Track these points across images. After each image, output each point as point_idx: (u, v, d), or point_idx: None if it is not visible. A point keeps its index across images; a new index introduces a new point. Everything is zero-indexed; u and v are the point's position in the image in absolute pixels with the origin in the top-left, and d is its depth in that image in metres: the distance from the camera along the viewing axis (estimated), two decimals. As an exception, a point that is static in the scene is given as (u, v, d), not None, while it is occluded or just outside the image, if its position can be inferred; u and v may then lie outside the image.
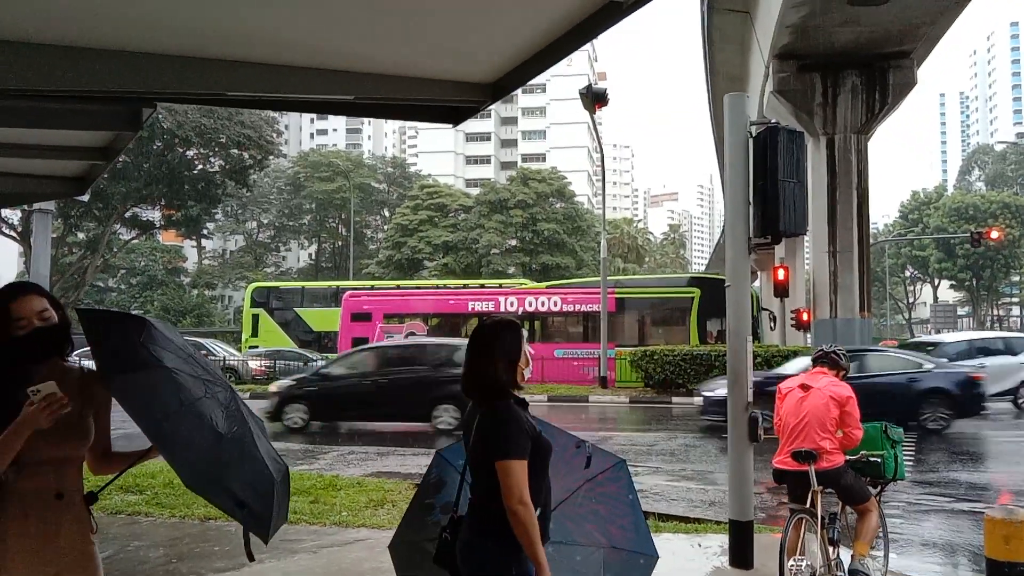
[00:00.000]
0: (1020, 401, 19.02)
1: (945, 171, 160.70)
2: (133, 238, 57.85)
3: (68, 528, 2.71)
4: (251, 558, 3.05)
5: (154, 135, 42.09)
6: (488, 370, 2.86)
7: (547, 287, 31.68)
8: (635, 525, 3.50)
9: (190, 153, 46.22)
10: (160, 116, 40.04)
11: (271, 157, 52.84)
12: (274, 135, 51.24)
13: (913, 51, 20.89)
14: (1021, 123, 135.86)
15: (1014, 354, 19.62)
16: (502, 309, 27.50)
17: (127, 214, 48.22)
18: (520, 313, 27.43)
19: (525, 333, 3.07)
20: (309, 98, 4.29)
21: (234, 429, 3.00)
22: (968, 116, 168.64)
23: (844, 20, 18.47)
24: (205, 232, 64.55)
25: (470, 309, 27.96)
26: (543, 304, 28.01)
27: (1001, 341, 21.30)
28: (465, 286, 33.33)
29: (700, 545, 6.83)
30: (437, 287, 36.08)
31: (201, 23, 3.34)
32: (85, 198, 7.96)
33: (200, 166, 47.69)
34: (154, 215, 52.21)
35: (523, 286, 32.94)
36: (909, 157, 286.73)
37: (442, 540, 2.92)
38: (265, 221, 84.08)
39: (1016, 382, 19.13)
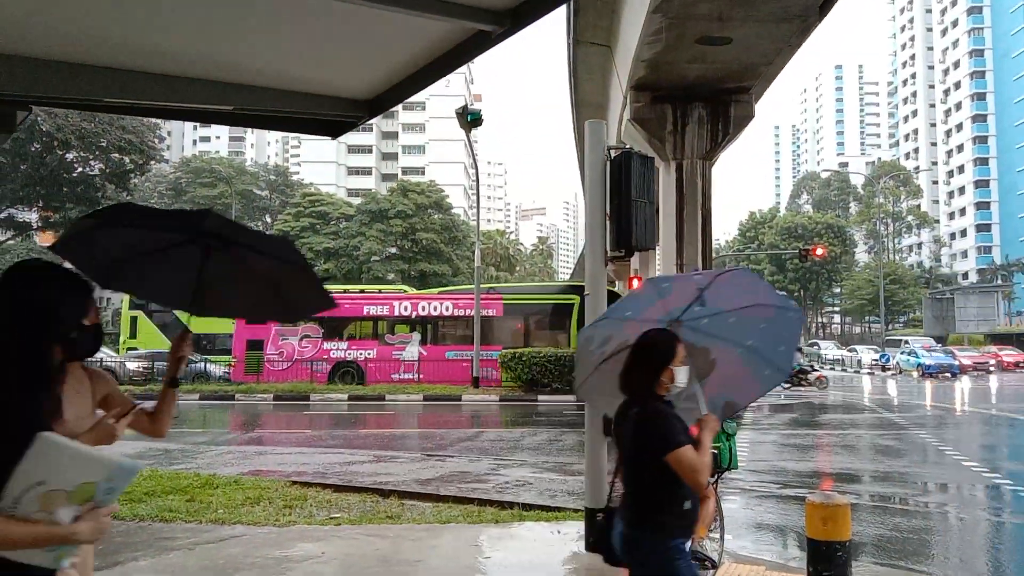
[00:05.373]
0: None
1: (778, 194, 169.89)
2: (8, 239, 54.00)
3: None
4: None
5: (33, 137, 39.43)
6: (641, 374, 2.98)
7: (439, 293, 31.14)
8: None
9: (70, 156, 43.51)
10: (39, 119, 37.54)
11: (153, 162, 50.33)
12: (156, 140, 48.81)
13: (752, 87, 21.91)
14: (843, 154, 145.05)
15: None
16: (396, 313, 27.22)
17: (2, 215, 44.98)
18: (413, 317, 27.19)
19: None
20: (188, 107, 4.12)
21: None
22: (799, 147, 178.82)
23: (692, 57, 19.17)
24: (84, 234, 60.75)
25: (365, 313, 27.47)
26: (435, 309, 27.75)
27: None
28: (345, 291, 32.41)
29: (559, 532, 6.94)
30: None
31: (76, 28, 3.17)
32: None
33: (80, 169, 44.94)
34: (31, 217, 48.86)
35: (403, 291, 32.35)
36: (747, 181, 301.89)
37: (596, 523, 3.17)
38: (146, 225, 79.80)
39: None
